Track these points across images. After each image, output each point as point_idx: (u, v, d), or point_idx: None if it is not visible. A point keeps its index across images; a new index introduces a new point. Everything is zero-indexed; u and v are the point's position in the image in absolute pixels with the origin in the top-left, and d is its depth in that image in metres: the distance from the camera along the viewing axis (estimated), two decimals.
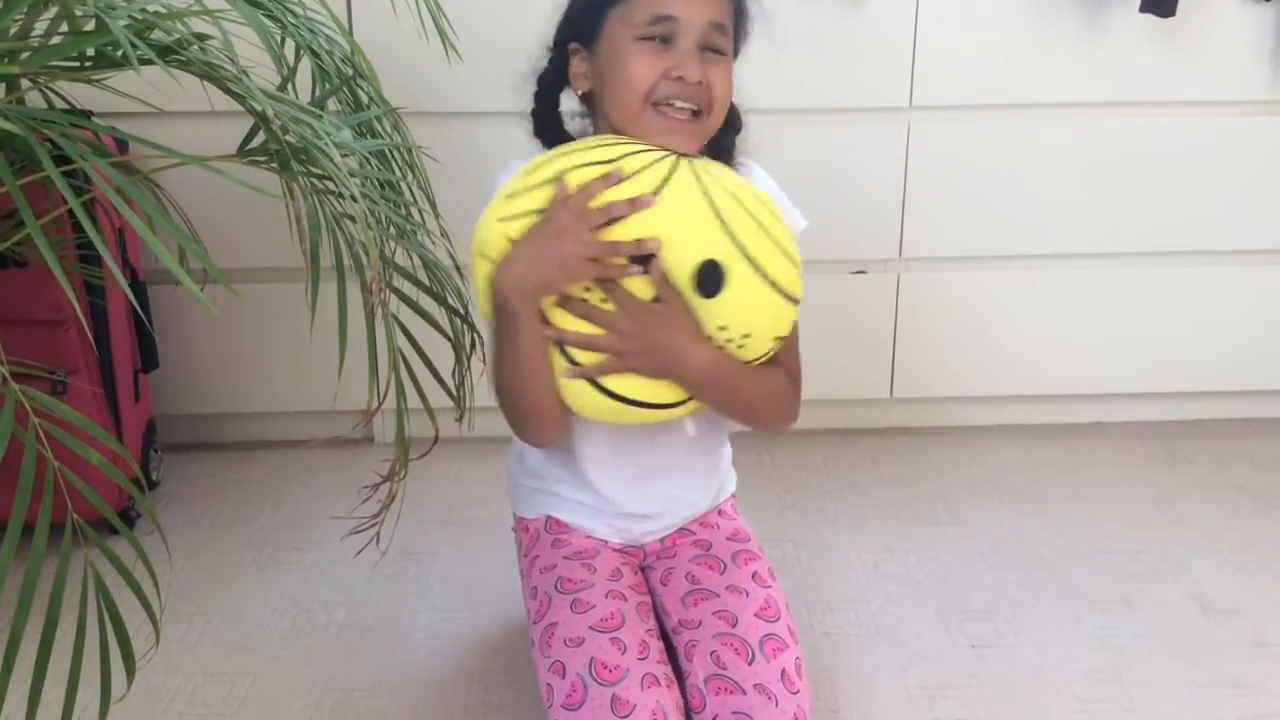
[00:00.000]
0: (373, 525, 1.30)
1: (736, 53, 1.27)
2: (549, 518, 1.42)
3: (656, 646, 1.27)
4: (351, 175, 1.19)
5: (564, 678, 1.22)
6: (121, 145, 1.70)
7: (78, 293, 1.67)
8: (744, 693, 1.22)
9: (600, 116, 1.28)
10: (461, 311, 1.46)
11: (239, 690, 1.48)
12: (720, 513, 1.47)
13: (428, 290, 1.40)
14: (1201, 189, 2.11)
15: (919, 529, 1.87)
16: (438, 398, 1.37)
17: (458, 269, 1.55)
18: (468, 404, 1.49)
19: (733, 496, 1.50)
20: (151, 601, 1.12)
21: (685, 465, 1.41)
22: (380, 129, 1.56)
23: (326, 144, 1.13)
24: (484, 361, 1.45)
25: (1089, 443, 2.19)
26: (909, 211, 2.09)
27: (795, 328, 1.27)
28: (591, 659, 1.21)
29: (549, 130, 1.32)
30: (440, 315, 1.41)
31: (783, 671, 1.24)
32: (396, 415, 1.25)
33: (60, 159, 1.02)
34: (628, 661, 1.21)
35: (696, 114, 1.22)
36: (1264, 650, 1.55)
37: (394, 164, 1.55)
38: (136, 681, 1.16)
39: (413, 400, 1.28)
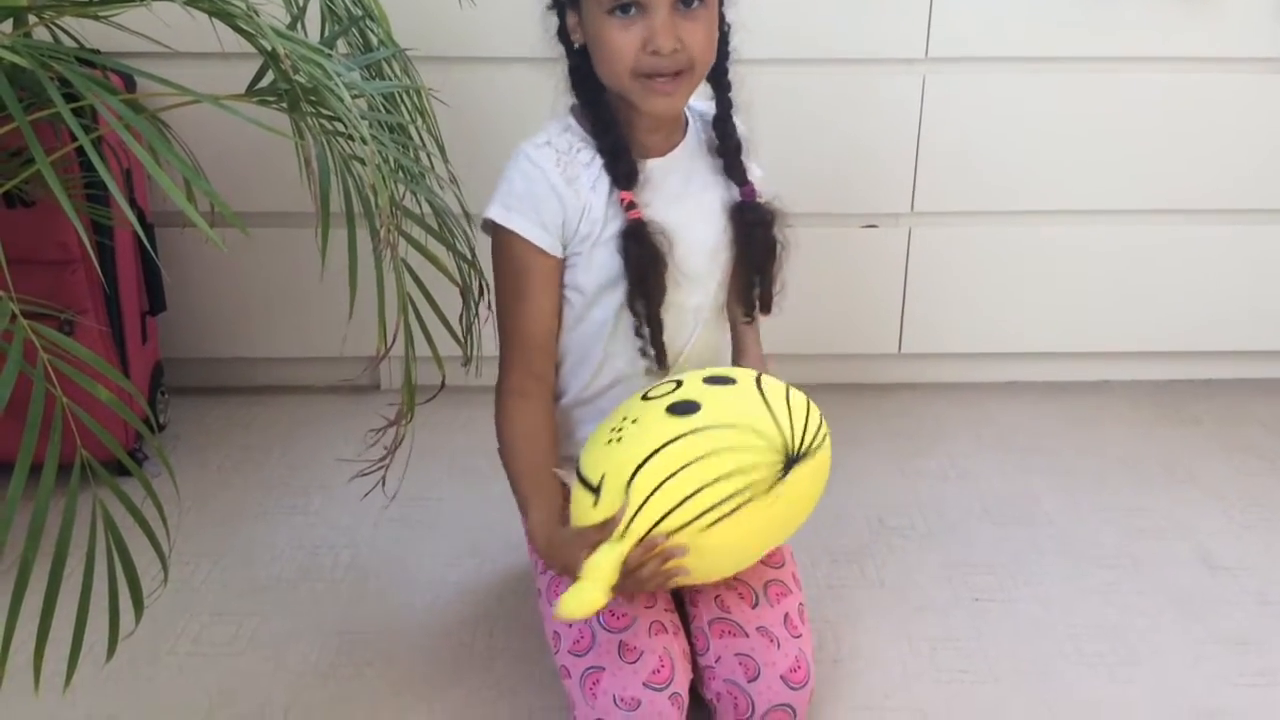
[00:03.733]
0: (379, 469, 1.30)
1: None
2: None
3: (663, 594, 1.28)
4: (361, 117, 1.18)
5: (571, 625, 1.23)
6: (129, 83, 1.69)
7: (86, 232, 1.66)
8: (746, 635, 1.23)
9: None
10: (469, 258, 1.46)
11: (245, 631, 1.49)
12: None
13: (436, 235, 1.39)
14: (1217, 147, 2.08)
15: (925, 484, 1.87)
16: (446, 345, 1.37)
17: (466, 215, 1.54)
18: (475, 351, 1.49)
19: None
20: (160, 541, 1.13)
21: None
22: (389, 71, 1.55)
23: (336, 84, 1.12)
24: (490, 309, 1.45)
25: (1097, 400, 2.18)
26: (922, 165, 2.07)
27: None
28: None
29: (587, 86, 1.29)
30: (449, 261, 1.41)
31: (785, 616, 1.26)
32: (405, 361, 1.25)
33: (68, 98, 1.01)
34: (635, 609, 1.23)
35: (679, 73, 1.22)
36: (1267, 608, 1.55)
37: (404, 108, 1.54)
38: (143, 621, 1.16)
39: (421, 348, 1.28)
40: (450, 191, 1.56)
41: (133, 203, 1.83)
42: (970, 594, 1.58)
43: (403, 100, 1.53)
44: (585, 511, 1.17)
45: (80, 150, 1.01)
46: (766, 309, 1.40)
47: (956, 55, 2.00)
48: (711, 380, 1.20)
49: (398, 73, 1.57)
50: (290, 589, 1.59)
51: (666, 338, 1.31)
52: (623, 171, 1.27)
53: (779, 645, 1.23)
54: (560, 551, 1.20)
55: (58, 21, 1.45)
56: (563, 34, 1.29)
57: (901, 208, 2.10)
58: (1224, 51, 2.03)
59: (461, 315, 1.47)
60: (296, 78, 1.14)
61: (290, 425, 2.06)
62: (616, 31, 1.20)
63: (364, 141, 1.12)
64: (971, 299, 2.17)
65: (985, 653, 1.46)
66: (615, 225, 1.28)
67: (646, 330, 1.30)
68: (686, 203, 1.33)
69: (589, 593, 1.10)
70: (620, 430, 1.16)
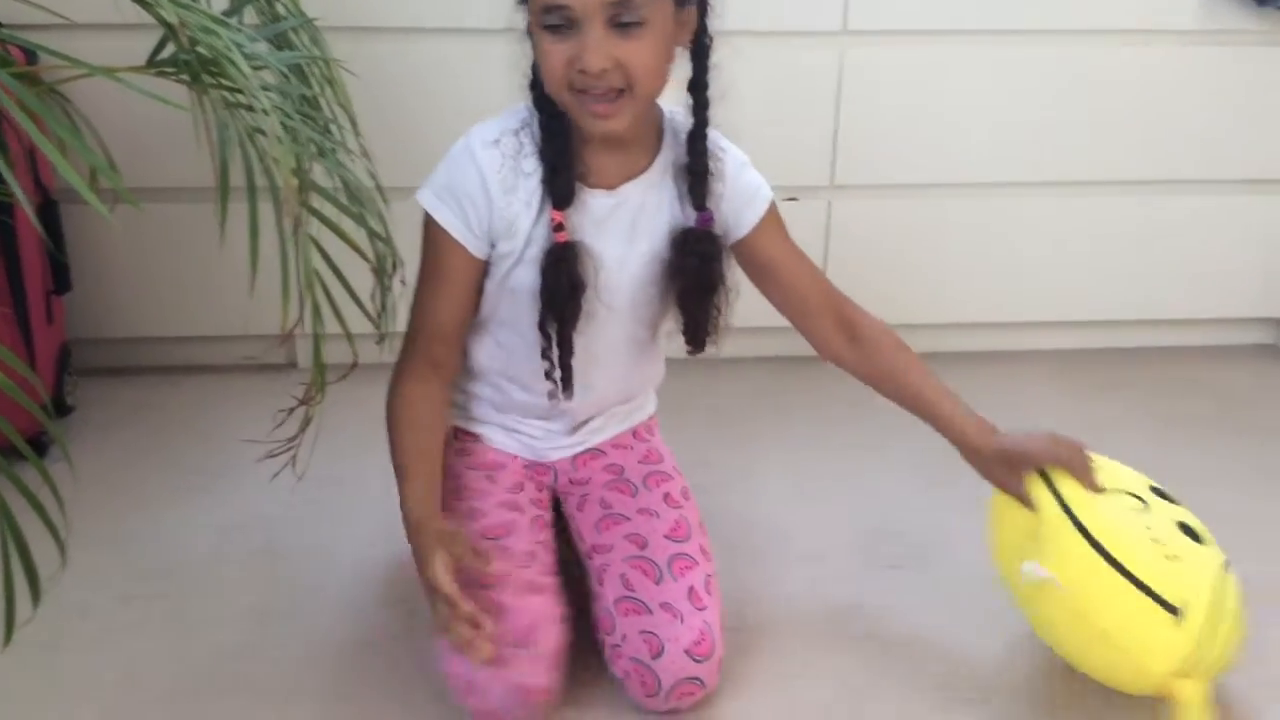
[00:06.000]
0: (288, 449, 1.28)
1: None
2: (456, 429, 1.43)
3: (545, 558, 1.30)
4: (265, 89, 1.15)
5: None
6: (30, 57, 1.64)
7: None
8: (650, 612, 1.24)
9: None
10: (382, 234, 1.43)
11: (155, 613, 1.46)
12: (634, 434, 1.49)
13: (346, 210, 1.37)
14: (1138, 117, 2.12)
15: (848, 453, 1.88)
16: (359, 323, 1.35)
17: (379, 188, 1.51)
18: (388, 328, 1.46)
19: (650, 418, 1.52)
20: (57, 524, 1.10)
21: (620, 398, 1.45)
22: (298, 42, 1.51)
23: (235, 55, 1.09)
24: (404, 284, 1.43)
25: (1022, 369, 2.21)
26: (841, 138, 2.08)
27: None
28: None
29: (543, 89, 1.21)
30: (360, 236, 1.38)
31: (690, 589, 1.26)
32: (313, 339, 1.23)
33: None
34: (508, 569, 1.24)
35: (621, 91, 1.16)
36: None
37: (313, 80, 1.51)
38: (48, 605, 1.13)
39: (332, 325, 1.26)
40: (361, 165, 1.53)
41: (37, 180, 1.78)
42: (887, 562, 1.60)
43: (311, 72, 1.50)
44: (1157, 627, 1.21)
45: None
46: (697, 346, 1.37)
47: (875, 28, 2.01)
48: (1157, 492, 1.40)
49: (306, 43, 1.53)
50: (202, 570, 1.56)
51: (577, 366, 1.30)
52: (559, 190, 1.23)
53: (682, 620, 1.23)
54: (423, 538, 1.21)
55: None
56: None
57: (821, 180, 2.10)
58: (1145, 24, 2.06)
59: (374, 292, 1.44)
60: (197, 49, 1.11)
61: (202, 405, 2.02)
62: (549, 45, 1.14)
63: (265, 113, 1.09)
64: (894, 270, 2.18)
65: (902, 618, 1.47)
66: (540, 245, 1.25)
67: (555, 353, 1.28)
68: (632, 234, 1.29)
69: None
70: (1165, 546, 1.26)
